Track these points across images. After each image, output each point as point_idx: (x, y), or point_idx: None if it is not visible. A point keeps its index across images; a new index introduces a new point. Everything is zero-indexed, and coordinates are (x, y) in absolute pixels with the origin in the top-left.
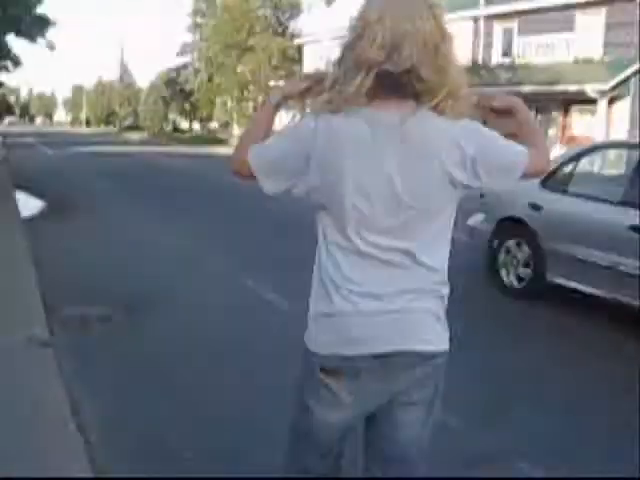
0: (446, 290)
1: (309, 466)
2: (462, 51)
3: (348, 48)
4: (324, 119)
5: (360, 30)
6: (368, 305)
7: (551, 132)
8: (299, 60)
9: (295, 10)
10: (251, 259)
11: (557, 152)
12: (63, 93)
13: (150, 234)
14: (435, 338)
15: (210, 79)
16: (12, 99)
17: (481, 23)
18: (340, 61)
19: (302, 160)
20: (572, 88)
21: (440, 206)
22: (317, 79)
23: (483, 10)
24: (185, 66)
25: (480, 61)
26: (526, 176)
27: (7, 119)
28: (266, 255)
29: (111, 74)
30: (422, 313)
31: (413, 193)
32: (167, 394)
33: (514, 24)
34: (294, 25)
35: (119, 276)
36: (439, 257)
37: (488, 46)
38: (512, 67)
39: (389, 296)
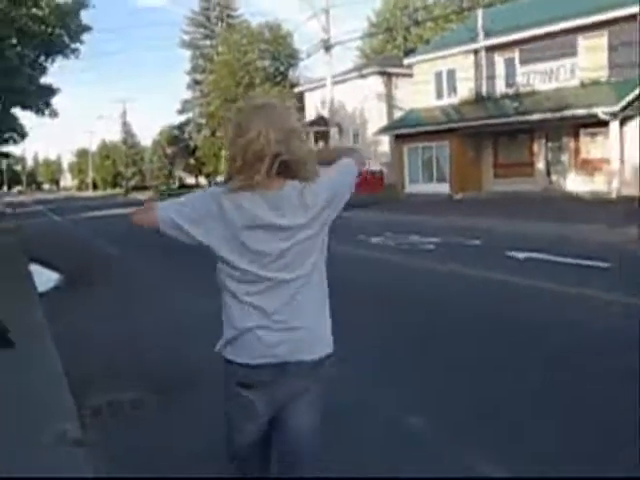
0: None
1: None
2: (465, 84)
3: (247, 144)
4: (228, 194)
5: (254, 134)
6: None
7: (563, 158)
8: (301, 108)
9: (293, 59)
10: None
11: (572, 178)
12: (68, 158)
13: (174, 302)
14: None
15: (213, 134)
16: (19, 168)
17: (482, 55)
18: (235, 154)
19: (204, 215)
20: (581, 112)
21: (321, 242)
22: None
23: (482, 42)
24: (187, 123)
25: (484, 93)
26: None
27: (15, 188)
28: None
29: (114, 136)
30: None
31: (306, 241)
32: None
33: (515, 54)
34: (292, 74)
35: (145, 353)
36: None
37: (491, 78)
38: (517, 96)
39: None
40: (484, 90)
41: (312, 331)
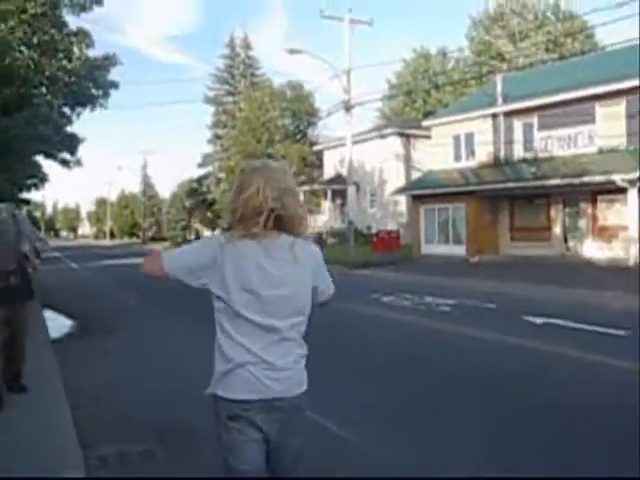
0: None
1: None
2: (483, 148)
3: (247, 200)
4: (230, 241)
5: (254, 190)
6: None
7: (581, 224)
8: (319, 165)
9: (313, 118)
10: None
11: (590, 244)
12: (87, 207)
13: (190, 353)
14: None
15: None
16: (38, 214)
17: (501, 120)
18: (237, 208)
19: (209, 260)
20: (599, 178)
21: (308, 299)
22: None
23: (501, 107)
24: (206, 176)
25: (502, 157)
26: (321, 303)
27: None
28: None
29: (133, 187)
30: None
31: (293, 290)
32: None
33: (533, 119)
34: (312, 132)
35: (158, 404)
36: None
37: (509, 142)
38: (535, 161)
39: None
40: (502, 154)
41: (296, 371)
